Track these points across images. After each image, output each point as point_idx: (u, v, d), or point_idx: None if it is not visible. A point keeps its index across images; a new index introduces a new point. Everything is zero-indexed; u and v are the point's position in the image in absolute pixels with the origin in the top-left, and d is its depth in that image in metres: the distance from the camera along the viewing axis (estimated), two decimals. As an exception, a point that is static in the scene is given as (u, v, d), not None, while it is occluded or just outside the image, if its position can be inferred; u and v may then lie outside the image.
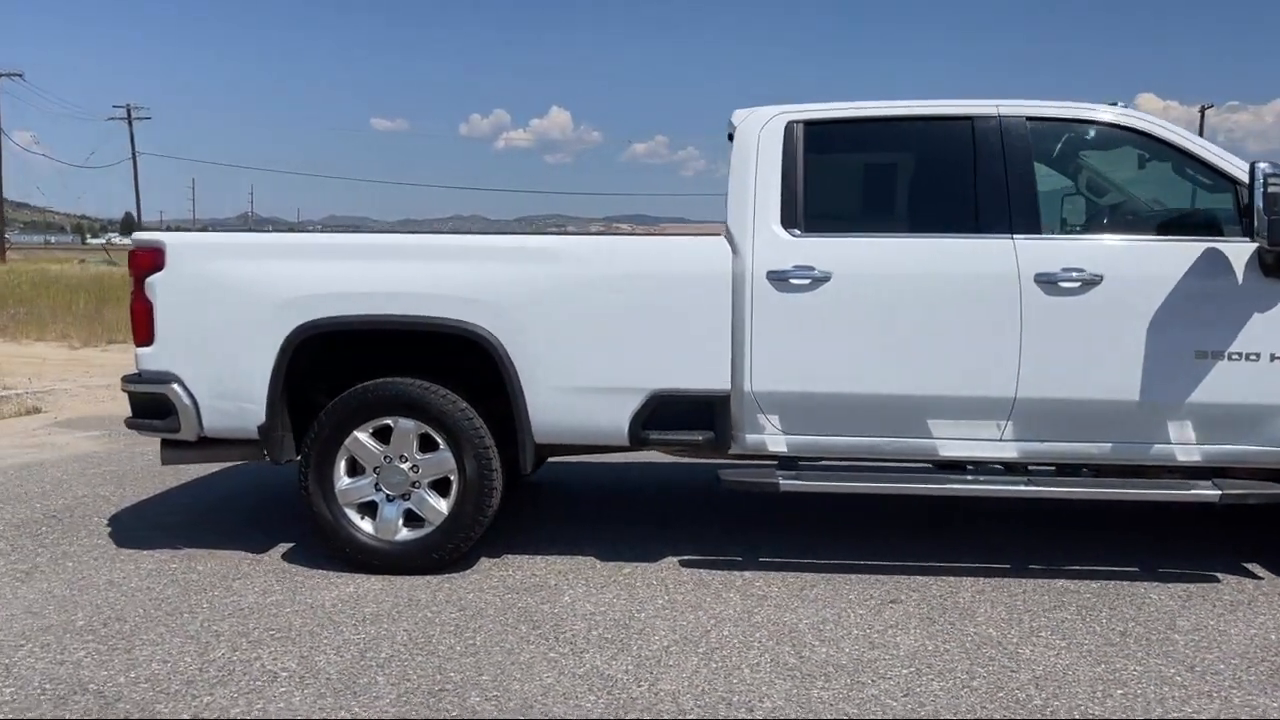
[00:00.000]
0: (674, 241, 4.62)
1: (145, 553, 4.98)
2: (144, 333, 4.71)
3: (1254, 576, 4.63)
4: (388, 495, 4.68)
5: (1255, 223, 4.16)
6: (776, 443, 4.58)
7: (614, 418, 4.57)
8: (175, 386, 4.67)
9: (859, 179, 4.91)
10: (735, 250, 4.48)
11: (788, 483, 4.51)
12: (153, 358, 4.71)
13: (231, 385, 4.66)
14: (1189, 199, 4.62)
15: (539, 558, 4.90)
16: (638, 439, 4.58)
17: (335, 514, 4.66)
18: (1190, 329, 4.31)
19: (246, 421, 4.68)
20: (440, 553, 4.64)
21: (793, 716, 3.30)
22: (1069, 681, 3.55)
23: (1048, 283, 4.34)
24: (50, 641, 3.88)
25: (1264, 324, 4.28)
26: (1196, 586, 4.50)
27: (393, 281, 4.56)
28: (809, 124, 4.60)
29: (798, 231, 4.48)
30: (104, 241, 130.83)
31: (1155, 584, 4.54)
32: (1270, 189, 4.10)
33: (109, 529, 5.41)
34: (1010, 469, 4.63)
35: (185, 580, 4.58)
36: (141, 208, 74.74)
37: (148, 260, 4.69)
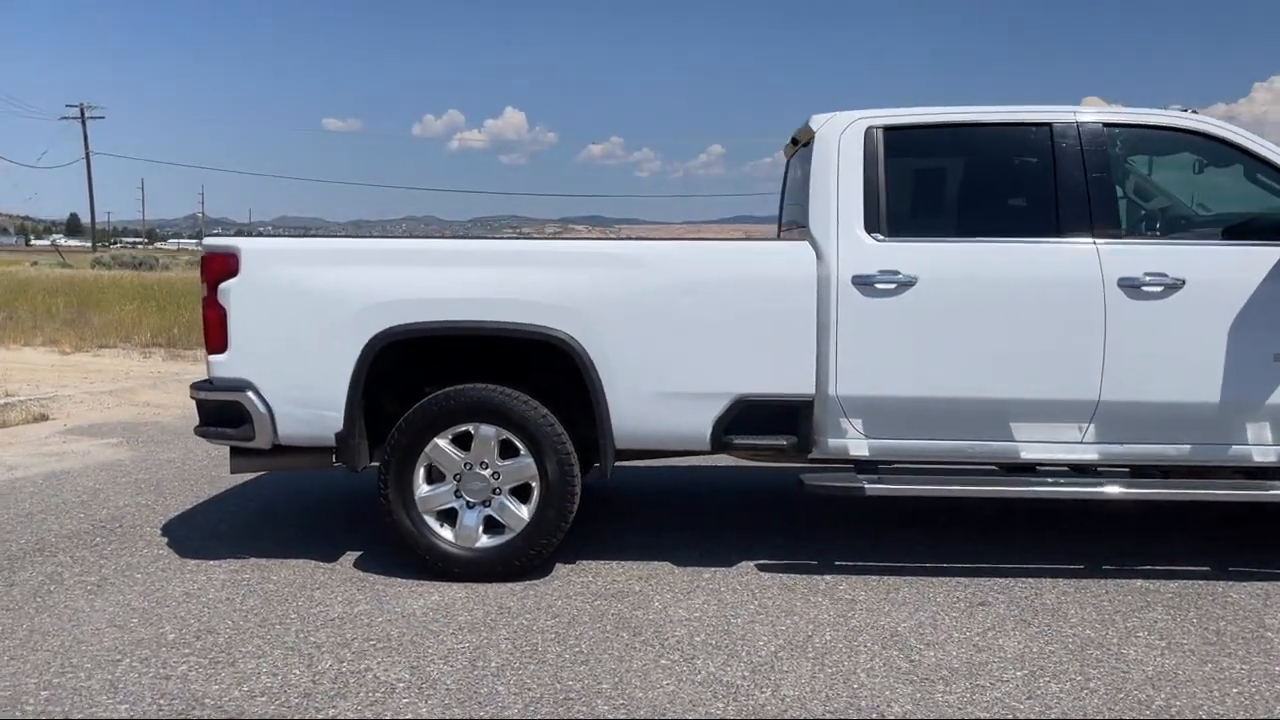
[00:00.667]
0: (759, 246, 4.63)
1: (212, 563, 4.90)
2: (217, 339, 4.64)
3: (1324, 574, 4.71)
4: (468, 502, 4.64)
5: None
6: (858, 447, 4.60)
7: (697, 422, 4.57)
8: (250, 394, 4.60)
9: (938, 184, 4.94)
10: (820, 255, 4.50)
11: (873, 487, 4.53)
12: (226, 365, 4.64)
13: (309, 393, 4.60)
14: (1255, 202, 4.69)
15: (614, 563, 4.89)
16: (720, 443, 4.58)
17: (415, 522, 4.62)
18: (1269, 332, 4.38)
19: (324, 429, 4.62)
20: (522, 559, 4.62)
21: (924, 718, 3.32)
22: (1183, 682, 3.60)
23: (1131, 287, 4.40)
24: (147, 655, 3.81)
25: (1342, 326, 4.36)
26: (1273, 585, 4.58)
27: (478, 287, 4.52)
28: (888, 129, 4.62)
29: (881, 236, 4.51)
30: (50, 243, 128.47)
31: (1233, 583, 4.61)
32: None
33: (165, 539, 5.32)
34: (1080, 471, 4.69)
35: (264, 591, 4.51)
36: (94, 209, 73.61)
37: (221, 266, 4.62)
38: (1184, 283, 4.39)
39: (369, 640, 3.96)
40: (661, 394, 4.53)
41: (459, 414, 4.57)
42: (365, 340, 4.53)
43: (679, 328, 4.51)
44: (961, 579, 4.67)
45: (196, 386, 4.77)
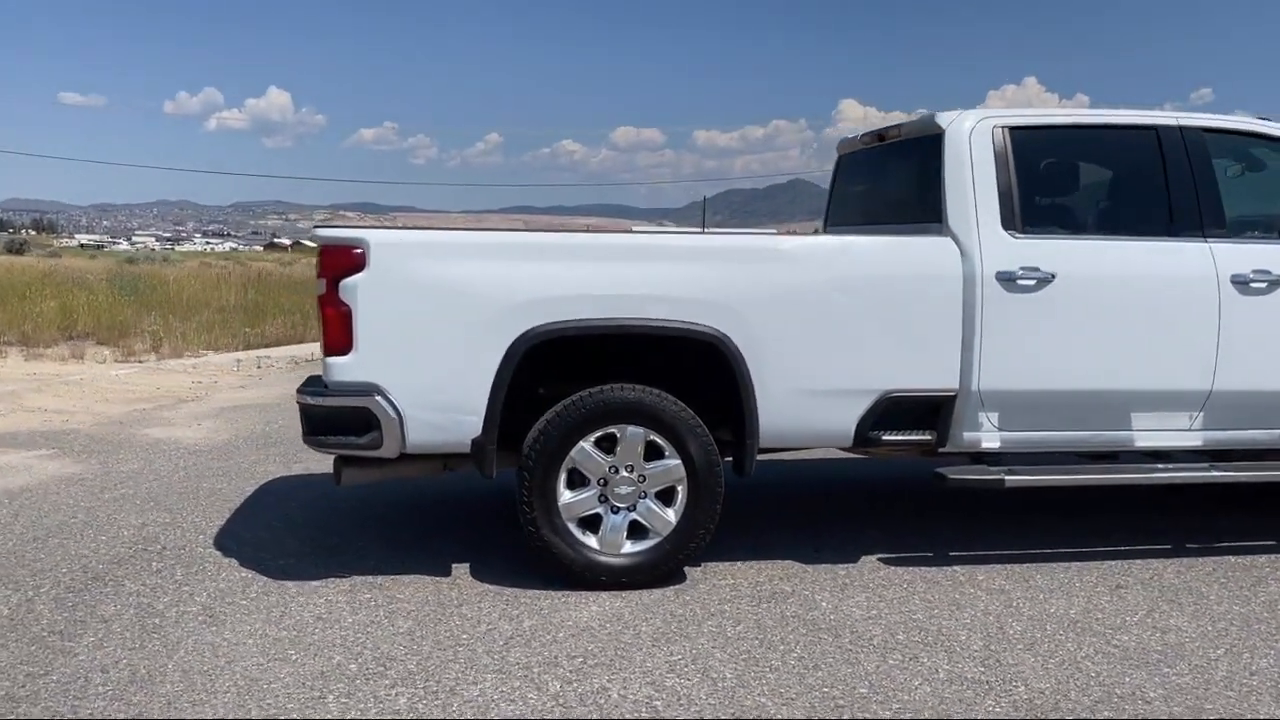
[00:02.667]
0: (906, 242, 4.63)
1: (314, 583, 4.49)
2: (339, 340, 4.24)
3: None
4: (613, 507, 4.45)
5: None
6: (990, 439, 4.70)
7: (842, 419, 4.55)
8: (379, 399, 4.24)
9: (1059, 183, 5.09)
10: (963, 251, 4.56)
11: (1012, 479, 4.65)
12: (350, 368, 4.25)
13: (445, 396, 4.29)
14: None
15: (739, 564, 4.80)
16: (864, 440, 4.58)
17: (559, 530, 4.39)
18: (1350, 324, 4.78)
19: (460, 435, 4.32)
20: (670, 564, 4.48)
21: (1188, 693, 3.43)
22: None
23: (1241, 283, 4.70)
24: (347, 689, 3.45)
25: None
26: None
27: (632, 284, 4.34)
28: (1012, 129, 4.74)
29: (1016, 233, 4.61)
30: None
31: (1311, 556, 5.01)
32: None
33: (232, 559, 4.82)
34: (1167, 456, 4.98)
35: (406, 611, 4.17)
36: None
37: (345, 260, 4.23)
38: (1285, 278, 4.72)
39: (572, 657, 3.73)
40: (810, 391, 4.49)
41: (609, 416, 4.37)
42: (511, 339, 4.26)
43: (829, 324, 4.47)
44: (1077, 564, 4.85)
45: (307, 391, 4.35)
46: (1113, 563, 4.88)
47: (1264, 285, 4.72)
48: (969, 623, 4.11)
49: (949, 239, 4.59)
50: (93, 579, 4.53)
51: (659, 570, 4.46)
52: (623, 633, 3.97)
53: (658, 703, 3.39)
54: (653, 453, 4.45)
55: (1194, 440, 4.84)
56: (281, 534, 5.23)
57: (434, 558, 4.85)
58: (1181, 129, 4.85)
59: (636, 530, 4.48)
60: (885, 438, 4.59)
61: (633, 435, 4.40)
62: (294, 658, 3.71)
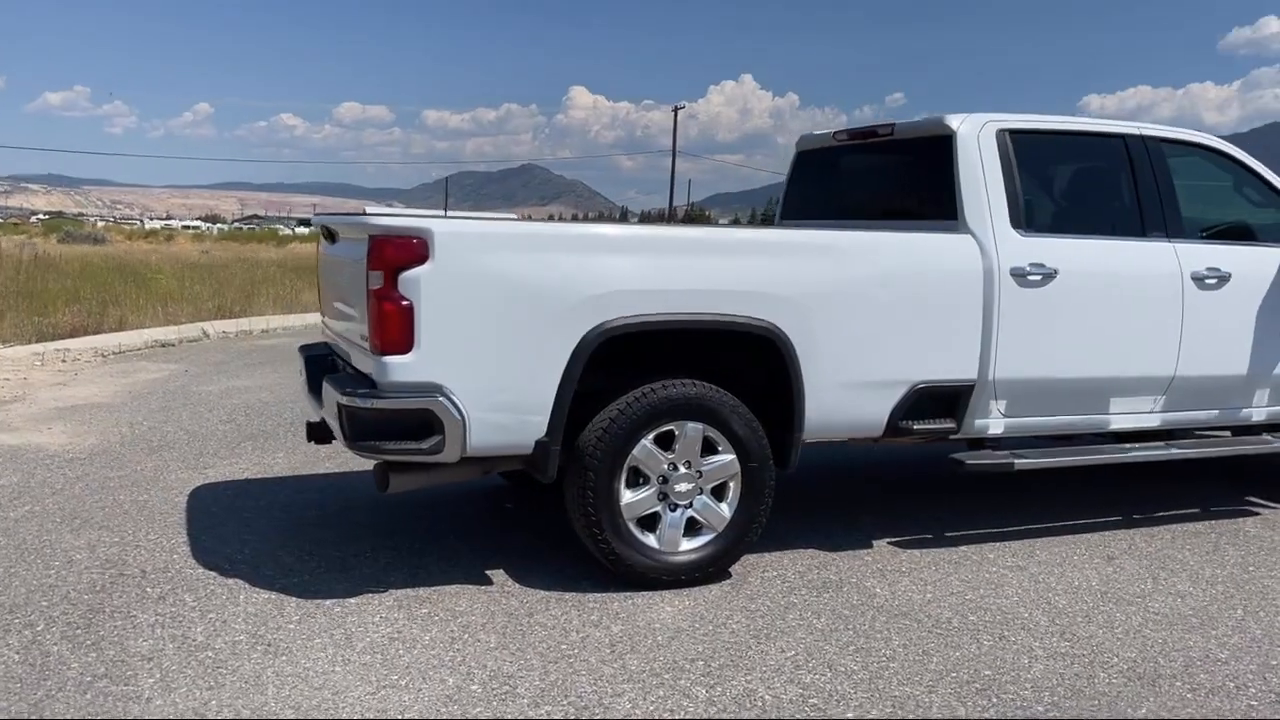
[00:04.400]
0: (937, 239, 4.80)
1: (349, 602, 4.16)
2: (399, 337, 3.94)
3: None
4: (671, 504, 4.39)
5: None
6: (997, 426, 4.99)
7: (878, 410, 4.70)
8: (443, 399, 3.98)
9: (1052, 184, 5.42)
10: (982, 248, 4.80)
11: (1021, 462, 4.96)
12: (411, 367, 3.96)
13: (511, 396, 4.08)
14: (1240, 210, 5.73)
15: (769, 555, 4.84)
16: (896, 430, 4.75)
17: (622, 531, 4.28)
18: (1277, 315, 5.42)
19: (525, 436, 4.13)
20: (727, 560, 4.48)
21: (1246, 650, 3.81)
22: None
23: (1198, 280, 5.22)
24: (489, 711, 3.24)
25: (1322, 310, 5.51)
26: (1263, 517, 5.67)
27: (702, 278, 4.28)
28: (1013, 132, 5.03)
29: (1023, 231, 4.91)
30: None
31: (1249, 518, 5.65)
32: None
33: (236, 580, 4.36)
34: (1136, 437, 5.48)
35: (474, 623, 3.95)
36: None
37: (406, 251, 3.92)
38: (1231, 276, 5.29)
39: (691, 660, 3.67)
40: (853, 383, 4.60)
41: (672, 412, 4.30)
42: (580, 335, 4.10)
43: (872, 317, 4.60)
44: (1059, 538, 5.24)
45: (354, 393, 4.01)
46: (1089, 535, 5.30)
47: (1215, 281, 5.26)
48: (1019, 599, 4.36)
49: (969, 237, 4.82)
50: (91, 612, 3.98)
51: (717, 566, 4.44)
52: (718, 633, 3.93)
53: (814, 700, 3.40)
54: (706, 448, 4.41)
55: (1154, 421, 5.34)
56: (265, 548, 4.79)
57: (457, 562, 4.62)
58: (1144, 138, 5.31)
59: (690, 527, 4.43)
60: (915, 427, 4.76)
61: (692, 431, 4.35)
62: (404, 684, 3.44)
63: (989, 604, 4.30)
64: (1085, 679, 3.62)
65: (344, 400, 4.01)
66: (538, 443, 4.13)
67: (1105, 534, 5.34)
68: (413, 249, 3.92)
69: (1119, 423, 5.27)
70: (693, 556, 4.40)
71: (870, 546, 5.04)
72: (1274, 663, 3.81)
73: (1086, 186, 5.43)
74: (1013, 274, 4.81)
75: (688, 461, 4.37)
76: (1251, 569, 4.86)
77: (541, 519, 5.33)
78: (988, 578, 4.63)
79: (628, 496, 4.29)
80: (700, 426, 4.36)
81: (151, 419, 7.75)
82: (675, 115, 63.97)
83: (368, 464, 6.31)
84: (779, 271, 4.41)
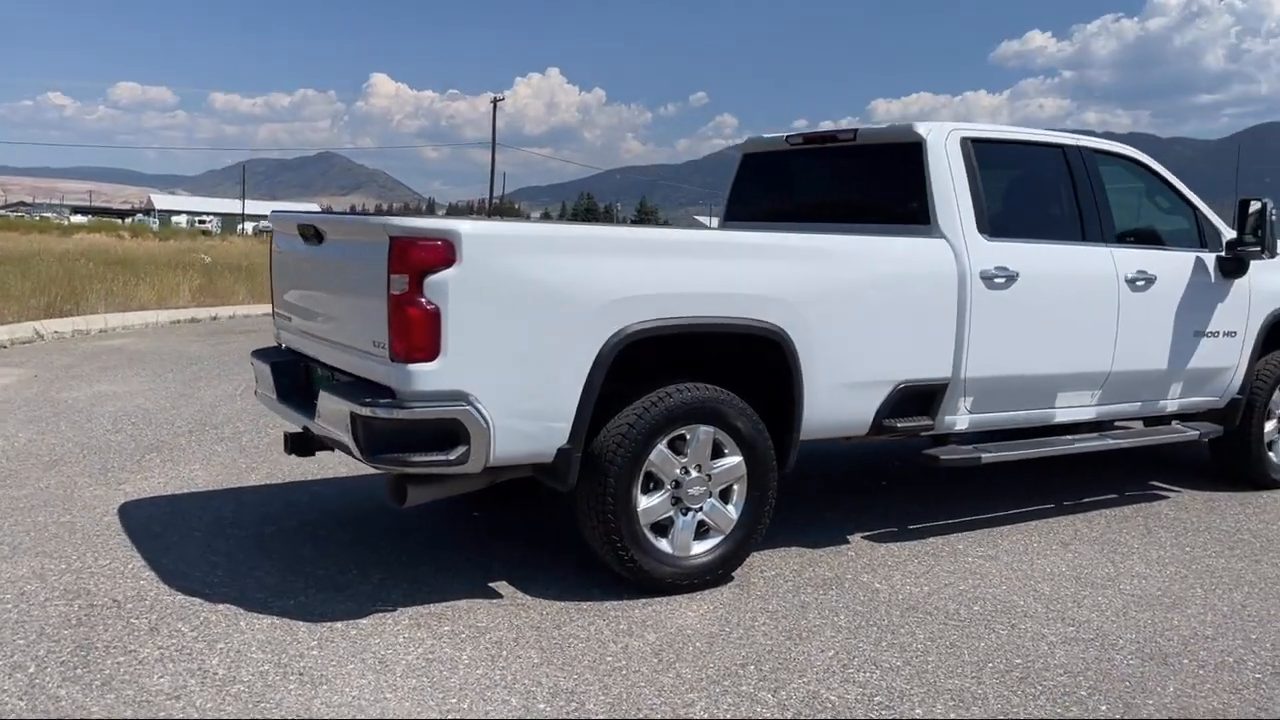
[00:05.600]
0: (920, 243, 4.96)
1: (360, 623, 3.95)
2: (425, 343, 3.76)
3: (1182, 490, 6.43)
4: (684, 509, 4.38)
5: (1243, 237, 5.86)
6: (963, 421, 5.21)
7: (865, 409, 4.84)
8: (470, 408, 3.83)
9: (1008, 190, 5.67)
10: (955, 252, 5.01)
11: (987, 456, 5.21)
12: (437, 374, 3.79)
13: (537, 403, 3.97)
14: (1150, 216, 6.19)
15: (757, 555, 4.85)
16: (879, 428, 4.89)
17: (639, 538, 4.24)
18: (1194, 314, 5.89)
19: (548, 444, 4.03)
20: (734, 561, 4.51)
21: (1224, 626, 4.13)
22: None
23: (1130, 282, 5.61)
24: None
25: (1222, 310, 6.02)
26: (1173, 500, 6.15)
27: (719, 280, 4.30)
28: (975, 141, 5.26)
29: (988, 236, 5.14)
30: None
31: (1168, 500, 6.11)
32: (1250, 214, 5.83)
33: (226, 606, 4.06)
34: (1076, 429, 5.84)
35: (504, 639, 3.83)
36: None
37: (432, 254, 3.75)
38: (1156, 279, 5.71)
39: (743, 665, 3.68)
40: (845, 384, 4.71)
41: (687, 416, 4.29)
42: (604, 340, 4.04)
43: (863, 319, 4.72)
44: (1010, 526, 5.53)
45: (372, 403, 3.81)
46: (1036, 523, 5.61)
47: (1144, 284, 5.66)
48: (1008, 588, 4.58)
49: (944, 241, 5.00)
50: (81, 649, 3.63)
51: (725, 568, 4.47)
52: (752, 636, 3.95)
53: (879, 698, 3.47)
54: (714, 451, 4.42)
55: (1091, 414, 5.71)
56: (239, 569, 4.49)
57: (454, 575, 4.48)
58: (1080, 148, 5.66)
59: (698, 530, 4.44)
60: (898, 425, 4.92)
61: (703, 435, 4.35)
62: (467, 706, 3.30)
63: (983, 594, 4.49)
64: (1105, 661, 3.83)
65: (362, 411, 3.80)
66: (560, 450, 4.04)
67: (1048, 521, 5.66)
68: (440, 251, 3.75)
69: (1062, 416, 5.60)
70: (704, 560, 4.41)
71: (847, 542, 5.17)
72: (1253, 637, 4.14)
73: (1036, 193, 5.72)
74: (982, 276, 5.03)
75: (698, 465, 4.37)
76: (1188, 549, 5.26)
77: (517, 525, 5.20)
78: (969, 568, 4.83)
79: (644, 502, 4.25)
80: (711, 430, 4.36)
81: (26, 430, 7.09)
82: (494, 107, 63.35)
83: (301, 474, 6.06)
84: (784, 274, 4.48)
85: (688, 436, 4.32)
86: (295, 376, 4.70)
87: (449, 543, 4.95)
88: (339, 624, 3.92)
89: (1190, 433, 6.05)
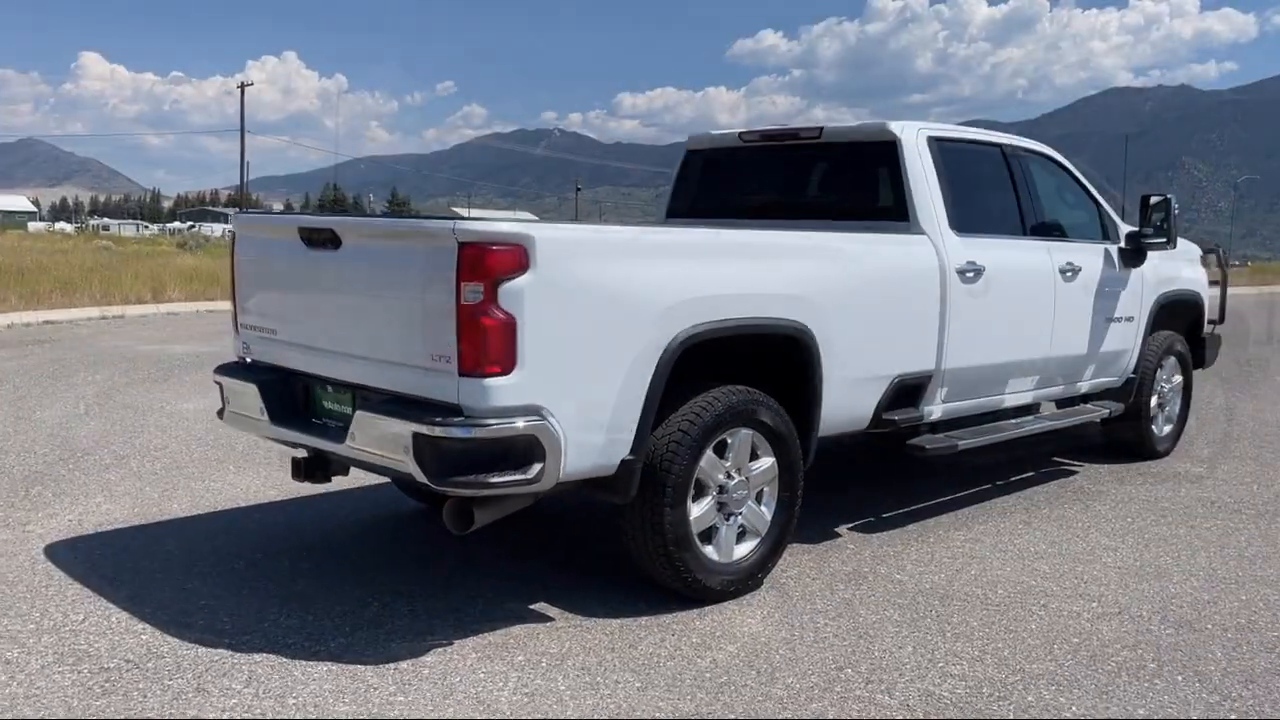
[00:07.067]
0: (910, 240, 5.07)
1: (414, 665, 3.66)
2: (501, 355, 3.51)
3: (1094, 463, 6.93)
4: (726, 514, 4.31)
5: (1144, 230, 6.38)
6: (938, 411, 5.39)
7: (868, 404, 4.93)
8: (547, 422, 3.61)
9: (966, 189, 5.81)
10: (935, 249, 5.17)
11: (963, 443, 5.42)
12: (515, 389, 3.55)
13: (606, 414, 3.80)
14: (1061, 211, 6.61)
15: (765, 554, 4.88)
16: (878, 421, 5.00)
17: (693, 547, 4.14)
18: (1105, 301, 6.36)
19: (612, 457, 3.87)
20: (770, 563, 4.48)
21: (1214, 591, 4.50)
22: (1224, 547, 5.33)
23: (1062, 273, 5.98)
24: None
25: (1125, 296, 6.54)
26: (1083, 474, 6.63)
27: (759, 282, 4.29)
28: (939, 140, 5.44)
29: (957, 232, 5.34)
30: None
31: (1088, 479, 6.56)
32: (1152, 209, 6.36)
33: (247, 655, 3.67)
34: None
35: (590, 665, 3.65)
36: None
37: (506, 260, 3.50)
38: (1081, 270, 6.12)
39: (838, 669, 3.67)
40: (855, 379, 4.77)
41: (733, 420, 4.22)
42: (665, 345, 3.91)
43: (871, 315, 4.80)
44: (966, 509, 5.78)
45: (444, 422, 3.52)
46: (988, 504, 5.90)
47: (1071, 274, 6.05)
48: (1014, 569, 4.78)
49: (925, 237, 5.15)
50: (100, 692, 3.15)
51: (763, 570, 4.43)
52: (824, 639, 3.94)
53: (986, 689, 3.54)
54: (752, 454, 4.38)
55: (1029, 398, 6.05)
56: (241, 611, 4.05)
57: (484, 598, 4.22)
58: (1015, 147, 5.99)
59: (741, 534, 4.38)
60: (895, 418, 5.04)
61: (743, 438, 4.29)
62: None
63: (996, 577, 4.67)
64: (1147, 633, 4.08)
65: (429, 431, 3.50)
66: (623, 462, 3.87)
67: (996, 502, 5.97)
68: (515, 258, 3.51)
69: (1010, 401, 5.90)
70: (746, 564, 4.36)
71: (838, 535, 5.24)
72: (1244, 597, 4.52)
73: (988, 191, 5.97)
74: (957, 271, 5.22)
75: (738, 468, 4.30)
76: (1128, 519, 5.67)
77: (506, 538, 4.95)
78: (963, 553, 5.01)
79: (695, 511, 4.15)
80: (749, 432, 4.31)
81: None
82: (242, 92, 60.04)
83: (230, 502, 5.49)
84: (808, 273, 4.49)
85: (729, 440, 4.25)
86: (290, 396, 4.26)
87: (446, 564, 4.64)
88: (404, 664, 3.60)
89: (1100, 411, 6.53)
